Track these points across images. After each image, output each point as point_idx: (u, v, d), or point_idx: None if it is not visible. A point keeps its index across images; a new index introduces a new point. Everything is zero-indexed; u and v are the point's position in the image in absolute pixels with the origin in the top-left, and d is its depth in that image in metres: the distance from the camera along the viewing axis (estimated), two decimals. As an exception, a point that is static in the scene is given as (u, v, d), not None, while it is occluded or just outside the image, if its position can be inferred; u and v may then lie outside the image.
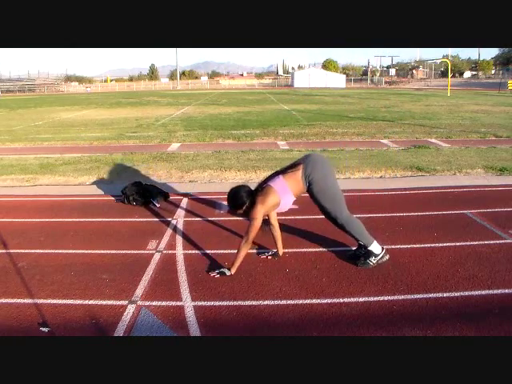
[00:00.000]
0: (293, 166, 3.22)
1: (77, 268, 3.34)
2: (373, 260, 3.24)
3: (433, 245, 3.66)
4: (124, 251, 3.65)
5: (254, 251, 3.59)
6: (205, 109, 19.79)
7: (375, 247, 3.25)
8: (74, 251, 3.67)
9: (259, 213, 3.08)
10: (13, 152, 8.82)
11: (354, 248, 3.49)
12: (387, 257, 3.28)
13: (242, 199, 3.15)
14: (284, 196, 3.14)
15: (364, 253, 3.30)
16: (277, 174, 3.23)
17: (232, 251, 3.61)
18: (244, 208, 3.17)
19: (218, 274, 3.17)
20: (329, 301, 2.81)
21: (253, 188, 3.25)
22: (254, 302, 2.81)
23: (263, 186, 3.19)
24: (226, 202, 3.35)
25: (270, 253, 3.50)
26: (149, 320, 2.61)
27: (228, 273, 3.15)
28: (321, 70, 71.54)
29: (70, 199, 5.34)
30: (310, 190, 3.18)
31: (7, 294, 2.95)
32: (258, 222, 3.08)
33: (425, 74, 74.72)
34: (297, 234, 3.94)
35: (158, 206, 4.86)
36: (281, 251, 3.48)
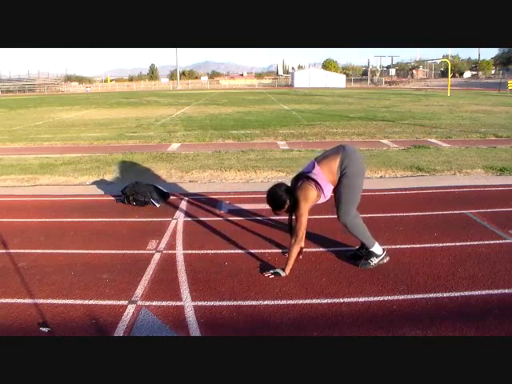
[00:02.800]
0: (329, 156, 3.17)
1: (77, 268, 3.34)
2: (374, 260, 3.25)
3: (433, 245, 3.66)
4: (124, 251, 3.65)
5: (255, 251, 3.59)
6: (205, 109, 19.79)
7: (377, 249, 3.26)
8: (73, 251, 3.67)
9: (304, 209, 3.08)
10: (13, 152, 8.82)
11: (356, 247, 3.50)
12: (387, 258, 3.29)
13: (282, 198, 3.14)
14: (324, 187, 3.10)
15: (365, 253, 3.30)
16: (313, 163, 3.18)
17: (232, 251, 3.62)
18: (286, 206, 3.17)
19: (272, 274, 3.15)
20: (329, 301, 2.81)
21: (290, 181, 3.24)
22: (254, 302, 2.81)
23: (301, 180, 3.15)
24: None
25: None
26: (149, 320, 2.61)
27: (283, 274, 3.14)
28: (321, 69, 71.49)
29: (69, 199, 5.34)
30: (338, 180, 3.15)
31: (7, 294, 2.95)
32: (304, 219, 3.09)
33: (425, 73, 74.72)
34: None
35: (157, 205, 4.86)
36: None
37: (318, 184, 3.08)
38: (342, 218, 3.21)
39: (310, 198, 3.10)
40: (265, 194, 3.16)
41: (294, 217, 3.19)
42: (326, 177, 3.10)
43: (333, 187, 3.17)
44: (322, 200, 3.20)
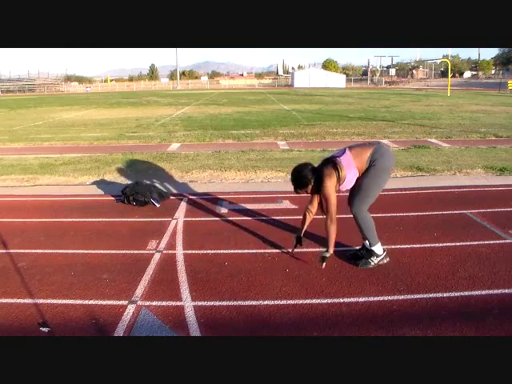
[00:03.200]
0: (362, 146, 3.21)
1: (77, 268, 3.34)
2: (374, 260, 3.26)
3: (433, 245, 3.66)
4: (124, 251, 3.65)
5: (255, 251, 3.59)
6: (205, 109, 19.79)
7: (378, 248, 3.26)
8: (74, 251, 3.67)
9: (330, 188, 3.08)
10: (13, 152, 8.82)
11: (356, 248, 3.51)
12: (388, 259, 3.30)
13: (307, 177, 3.15)
14: (349, 171, 3.11)
15: (366, 252, 3.31)
16: (344, 149, 3.20)
17: (232, 251, 3.62)
18: (309, 187, 3.17)
19: (321, 262, 3.17)
20: (329, 301, 2.81)
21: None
22: (254, 302, 2.81)
23: (329, 161, 3.16)
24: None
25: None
26: (149, 320, 2.61)
27: (328, 254, 3.17)
28: (321, 69, 71.48)
29: (69, 199, 5.34)
30: (366, 169, 3.16)
31: (7, 294, 2.95)
32: (333, 198, 3.08)
33: (425, 73, 74.76)
34: (297, 234, 3.94)
35: (157, 205, 4.86)
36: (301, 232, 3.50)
37: (342, 167, 3.08)
38: (354, 208, 3.22)
39: (334, 177, 3.08)
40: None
41: (323, 200, 3.18)
42: (354, 162, 3.11)
43: (358, 174, 3.16)
44: (347, 186, 3.19)
